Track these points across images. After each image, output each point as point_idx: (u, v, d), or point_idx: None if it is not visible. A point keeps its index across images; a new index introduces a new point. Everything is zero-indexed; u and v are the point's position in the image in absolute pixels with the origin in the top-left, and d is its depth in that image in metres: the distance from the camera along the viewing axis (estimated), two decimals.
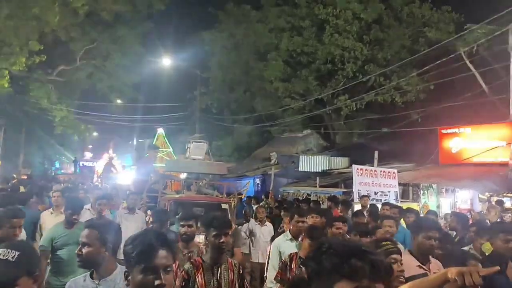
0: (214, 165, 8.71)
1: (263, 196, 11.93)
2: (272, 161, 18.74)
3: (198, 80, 23.83)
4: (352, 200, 8.81)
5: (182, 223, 4.30)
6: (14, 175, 20.72)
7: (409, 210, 6.77)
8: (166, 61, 24.36)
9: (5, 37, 18.49)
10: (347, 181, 12.36)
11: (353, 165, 9.06)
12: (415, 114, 18.55)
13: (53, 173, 30.70)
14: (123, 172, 16.19)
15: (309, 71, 22.25)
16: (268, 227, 7.64)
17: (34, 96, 24.53)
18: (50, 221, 5.58)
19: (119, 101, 29.43)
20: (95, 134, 33.86)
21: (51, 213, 5.99)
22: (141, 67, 26.45)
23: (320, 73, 22.46)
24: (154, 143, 16.23)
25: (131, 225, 6.22)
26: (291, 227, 4.82)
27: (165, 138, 17.27)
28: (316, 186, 12.66)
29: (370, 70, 20.45)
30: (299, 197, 11.83)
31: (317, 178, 13.06)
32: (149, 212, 6.96)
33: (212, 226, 3.47)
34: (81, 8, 20.78)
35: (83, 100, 27.26)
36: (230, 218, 6.92)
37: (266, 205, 9.97)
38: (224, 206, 7.68)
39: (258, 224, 7.68)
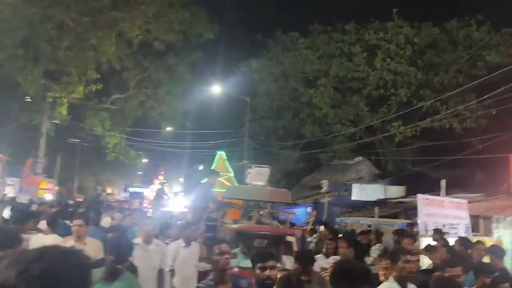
0: (277, 193, 8.12)
1: (317, 227, 11.44)
2: (323, 189, 18.18)
3: (247, 107, 23.85)
4: (417, 233, 8.18)
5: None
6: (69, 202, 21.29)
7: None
8: (215, 89, 24.65)
9: (64, 67, 19.32)
10: (408, 211, 11.67)
11: (418, 195, 8.44)
12: (478, 142, 17.54)
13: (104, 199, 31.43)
14: (174, 199, 16.07)
15: (360, 97, 21.76)
16: None
17: (89, 123, 25.41)
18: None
19: (169, 128, 29.99)
20: (145, 160, 34.60)
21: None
22: (191, 94, 26.91)
23: (371, 99, 21.92)
24: (213, 167, 15.80)
25: (187, 259, 5.92)
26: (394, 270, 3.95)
27: (226, 162, 16.82)
28: (373, 216, 12.01)
29: (425, 95, 19.70)
30: (353, 229, 11.27)
31: (375, 208, 12.40)
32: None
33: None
34: (136, 38, 21.48)
35: (135, 127, 27.99)
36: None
37: (319, 237, 9.48)
38: (289, 238, 7.05)
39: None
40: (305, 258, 4.30)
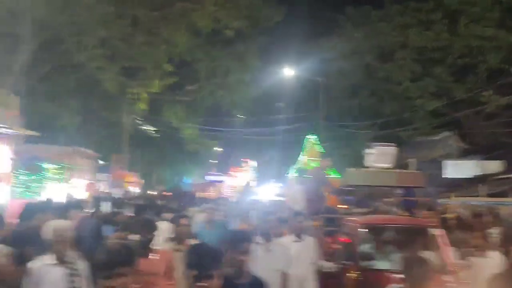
0: (409, 176, 6.95)
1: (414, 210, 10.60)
2: (411, 168, 17.13)
3: (320, 89, 23.12)
4: None
5: None
6: (152, 192, 22.00)
7: None
8: (287, 71, 24.11)
9: (140, 63, 19.75)
10: None
11: None
12: None
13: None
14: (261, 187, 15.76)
15: (443, 67, 20.26)
16: (494, 260, 4.72)
17: (165, 116, 26.03)
18: None
19: (240, 116, 30.03)
20: (218, 149, 35.00)
21: None
22: (261, 80, 26.61)
23: (455, 69, 20.34)
24: (303, 152, 14.84)
25: (300, 256, 5.11)
26: None
27: (317, 146, 15.45)
28: (477, 196, 10.98)
29: None
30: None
31: (479, 186, 11.33)
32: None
33: None
34: (206, 28, 21.45)
35: (208, 117, 28.31)
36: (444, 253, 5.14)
37: None
38: (432, 231, 5.63)
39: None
40: None
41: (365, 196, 7.65)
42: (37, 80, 17.66)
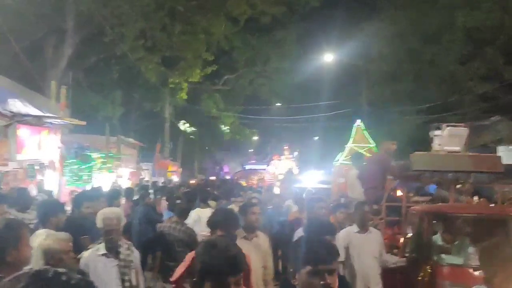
0: (484, 159, 5.97)
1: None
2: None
3: (363, 74, 22.51)
4: None
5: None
6: (192, 181, 22.21)
7: None
8: (327, 57, 23.58)
9: (180, 52, 19.85)
10: None
11: None
12: None
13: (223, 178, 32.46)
14: (305, 174, 15.50)
15: (494, 48, 19.21)
16: None
17: (204, 105, 26.18)
18: None
19: (279, 104, 29.78)
20: (255, 138, 34.93)
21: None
22: (301, 67, 26.23)
23: (508, 49, 19.23)
24: (352, 138, 14.75)
25: (363, 249, 4.76)
26: None
27: (365, 132, 15.45)
28: None
29: None
30: None
31: None
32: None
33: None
34: (243, 15, 21.27)
35: (247, 106, 28.25)
36: None
37: None
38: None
39: None
40: None
41: (434, 183, 6.90)
42: (83, 72, 18.10)
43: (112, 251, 3.79)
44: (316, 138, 30.22)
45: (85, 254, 3.78)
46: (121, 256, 3.81)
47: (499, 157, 6.23)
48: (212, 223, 3.65)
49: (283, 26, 26.36)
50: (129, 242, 4.05)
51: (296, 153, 25.18)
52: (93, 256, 3.75)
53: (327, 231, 3.38)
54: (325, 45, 24.72)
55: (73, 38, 15.33)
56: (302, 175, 15.60)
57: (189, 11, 19.99)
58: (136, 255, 3.98)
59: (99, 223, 3.80)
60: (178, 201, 6.32)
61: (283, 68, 26.61)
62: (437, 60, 20.37)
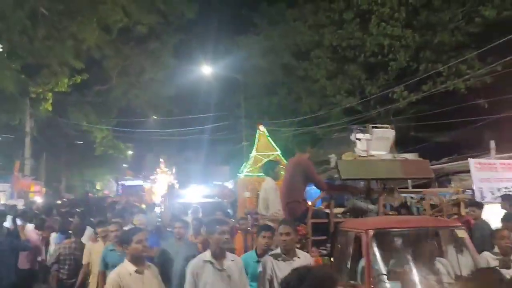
0: (414, 164, 5.35)
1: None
2: (332, 164, 17.43)
3: (241, 87, 22.86)
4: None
5: None
6: (59, 202, 20.09)
7: None
8: (206, 69, 23.43)
9: (43, 59, 17.92)
10: (440, 178, 11.03)
11: (470, 160, 7.71)
12: (481, 101, 17.16)
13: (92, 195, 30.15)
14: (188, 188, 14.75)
15: (357, 65, 21.00)
16: None
17: (73, 118, 24.09)
18: None
19: (156, 117, 28.78)
20: (130, 152, 33.21)
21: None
22: (177, 79, 25.72)
23: (368, 67, 21.19)
24: (255, 145, 13.54)
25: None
26: None
27: (269, 138, 14.09)
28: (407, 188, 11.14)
29: (425, 57, 19.07)
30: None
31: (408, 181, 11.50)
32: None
33: None
34: (117, 23, 20.09)
35: (121, 118, 26.72)
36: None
37: None
38: (459, 233, 4.51)
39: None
40: None
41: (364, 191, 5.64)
42: None
43: None
44: (198, 150, 29.77)
45: None
46: None
47: (427, 161, 5.64)
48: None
49: (158, 37, 25.65)
50: None
51: (173, 168, 24.43)
52: None
53: None
54: (202, 58, 24.60)
55: None
56: (184, 189, 15.00)
57: (55, 15, 18.24)
58: None
59: None
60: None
61: (158, 79, 25.81)
62: (309, 74, 21.56)
